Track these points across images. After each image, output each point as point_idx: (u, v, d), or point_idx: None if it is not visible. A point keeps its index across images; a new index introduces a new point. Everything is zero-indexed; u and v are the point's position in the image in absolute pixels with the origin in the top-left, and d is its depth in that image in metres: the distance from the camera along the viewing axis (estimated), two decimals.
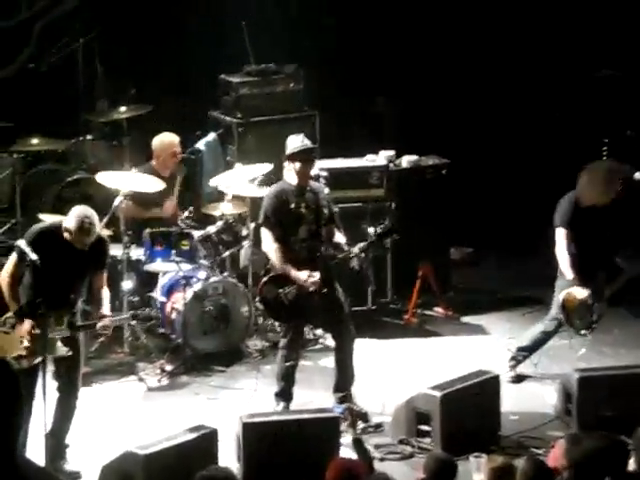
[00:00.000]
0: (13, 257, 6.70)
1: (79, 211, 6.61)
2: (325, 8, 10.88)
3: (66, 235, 6.55)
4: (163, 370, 8.15)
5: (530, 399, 7.76)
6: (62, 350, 6.56)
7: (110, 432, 7.31)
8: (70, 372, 6.75)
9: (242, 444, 6.53)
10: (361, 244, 7.44)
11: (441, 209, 9.46)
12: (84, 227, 6.52)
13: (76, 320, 6.66)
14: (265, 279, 7.44)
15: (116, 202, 8.14)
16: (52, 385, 6.68)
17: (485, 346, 8.66)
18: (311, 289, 7.25)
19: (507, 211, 10.38)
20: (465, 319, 9.29)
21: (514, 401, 7.57)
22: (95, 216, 6.62)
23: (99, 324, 6.68)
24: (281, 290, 7.32)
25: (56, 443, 6.75)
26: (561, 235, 7.66)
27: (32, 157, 9.19)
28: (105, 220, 8.36)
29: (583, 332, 7.75)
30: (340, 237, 7.48)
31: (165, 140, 8.80)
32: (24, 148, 9.06)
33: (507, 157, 10.86)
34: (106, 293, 6.82)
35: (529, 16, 10.92)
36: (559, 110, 10.98)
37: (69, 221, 6.56)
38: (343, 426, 6.92)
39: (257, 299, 8.21)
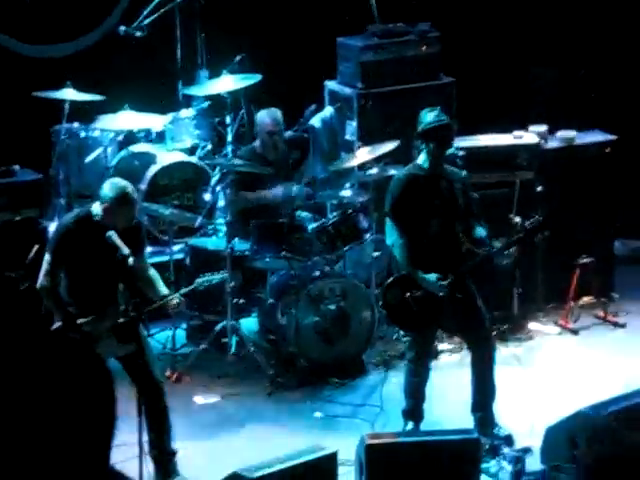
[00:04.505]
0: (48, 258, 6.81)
1: (118, 182, 6.74)
2: None
3: (103, 214, 6.62)
4: (273, 383, 8.33)
5: None
6: (125, 348, 6.68)
7: (212, 452, 7.51)
8: (144, 369, 6.85)
9: (365, 469, 6.59)
10: (505, 239, 7.50)
11: (604, 195, 9.47)
12: (128, 198, 6.64)
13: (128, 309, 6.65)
14: (389, 281, 7.54)
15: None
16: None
17: None
18: (440, 294, 7.32)
19: None
20: (631, 326, 9.29)
21: None
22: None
23: (172, 302, 6.78)
24: (408, 294, 7.40)
25: (161, 456, 6.98)
26: None
27: (124, 136, 9.37)
28: (204, 212, 8.69)
29: None
30: (480, 231, 7.51)
31: (261, 117, 8.95)
32: (113, 126, 9.25)
33: None
34: (155, 274, 6.92)
35: None
36: None
37: (108, 193, 6.64)
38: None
39: (380, 304, 8.30)
